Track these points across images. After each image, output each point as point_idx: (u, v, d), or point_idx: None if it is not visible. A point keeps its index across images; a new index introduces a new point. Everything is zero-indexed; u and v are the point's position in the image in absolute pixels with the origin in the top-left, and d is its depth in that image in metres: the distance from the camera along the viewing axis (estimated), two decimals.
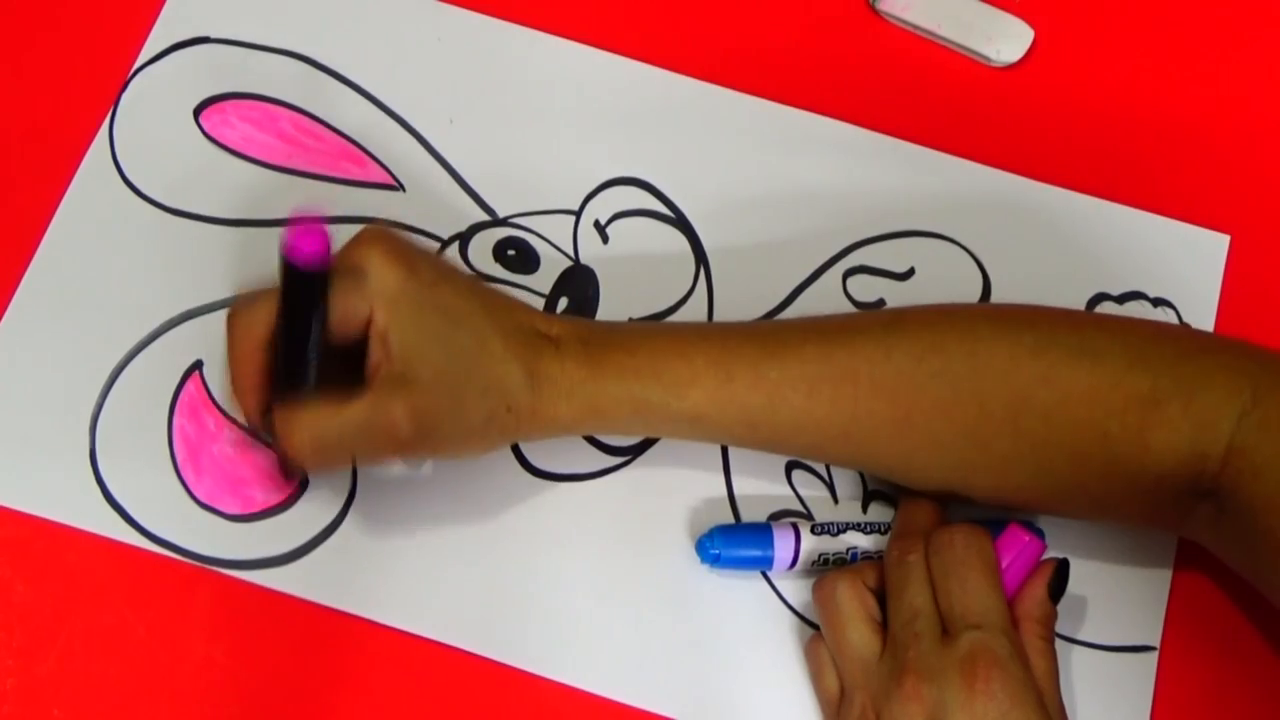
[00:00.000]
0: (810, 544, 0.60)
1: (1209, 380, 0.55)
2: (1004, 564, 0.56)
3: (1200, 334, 0.64)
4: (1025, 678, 0.53)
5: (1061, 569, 0.57)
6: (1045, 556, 0.57)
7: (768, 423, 0.57)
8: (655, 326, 0.64)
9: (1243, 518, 0.53)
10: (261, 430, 0.58)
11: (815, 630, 0.60)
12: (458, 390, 0.55)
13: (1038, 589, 0.57)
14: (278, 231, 0.65)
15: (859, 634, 0.56)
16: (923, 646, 0.54)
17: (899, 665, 0.54)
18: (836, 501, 0.63)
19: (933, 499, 0.60)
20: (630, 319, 0.65)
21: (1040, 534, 0.57)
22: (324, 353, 0.55)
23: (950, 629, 0.54)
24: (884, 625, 0.57)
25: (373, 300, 0.54)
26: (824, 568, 0.60)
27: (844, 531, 0.60)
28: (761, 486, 0.63)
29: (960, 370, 0.56)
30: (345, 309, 0.54)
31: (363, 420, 0.54)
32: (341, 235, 0.65)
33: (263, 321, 0.55)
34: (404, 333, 0.54)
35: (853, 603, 0.57)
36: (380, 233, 0.56)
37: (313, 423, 0.54)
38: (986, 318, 0.59)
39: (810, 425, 0.57)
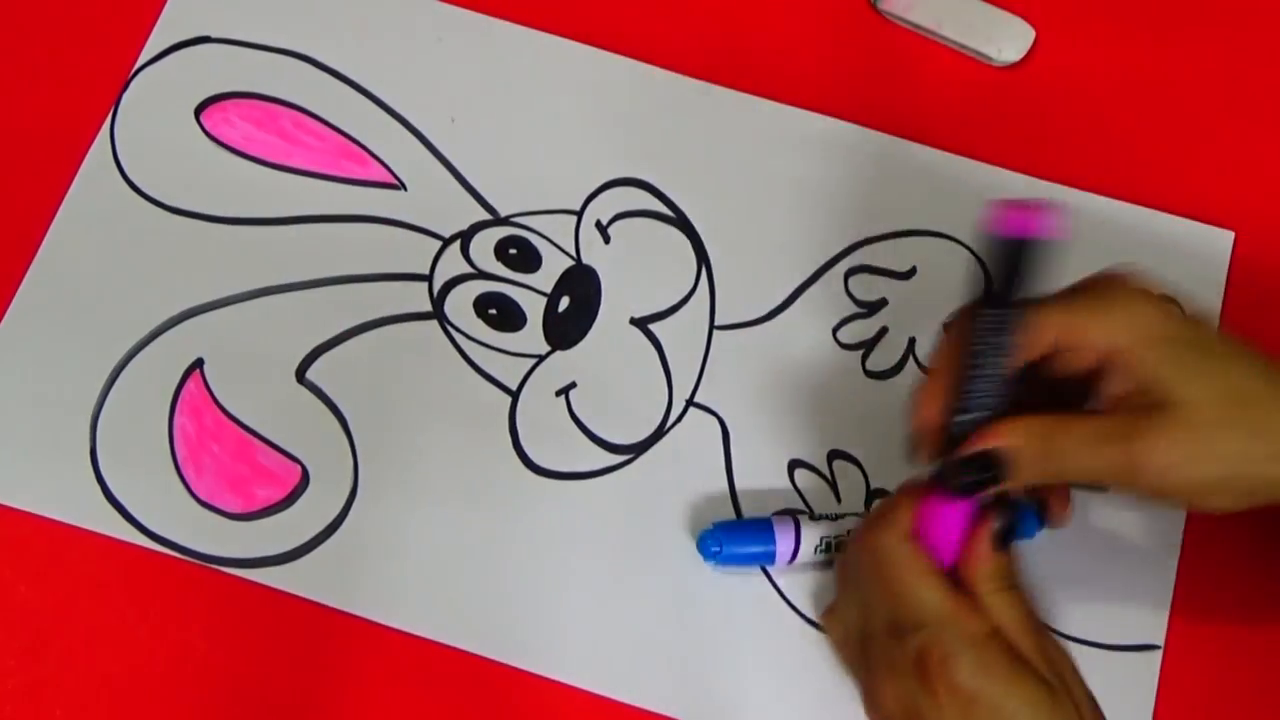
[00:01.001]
0: (810, 533, 0.60)
1: None
2: (930, 535, 0.53)
3: None
4: (980, 662, 0.51)
5: (1009, 517, 0.53)
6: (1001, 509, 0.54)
7: None
8: None
9: None
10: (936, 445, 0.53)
11: (818, 624, 0.60)
12: (1218, 429, 0.51)
13: (981, 545, 0.53)
14: (281, 230, 0.66)
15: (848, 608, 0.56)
16: (876, 647, 0.53)
17: (869, 660, 0.54)
18: (839, 499, 0.63)
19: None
20: (632, 319, 0.65)
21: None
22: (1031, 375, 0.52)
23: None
24: None
25: (1117, 329, 0.51)
26: (826, 554, 0.60)
27: (844, 516, 0.60)
28: (763, 483, 0.62)
29: None
30: (1078, 335, 0.52)
31: (1098, 435, 0.51)
32: (343, 234, 0.66)
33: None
34: (1158, 362, 0.51)
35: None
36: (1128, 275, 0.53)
37: (1042, 427, 0.51)
38: None
39: None
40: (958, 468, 0.52)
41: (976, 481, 0.52)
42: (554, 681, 0.60)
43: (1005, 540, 0.53)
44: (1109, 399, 0.52)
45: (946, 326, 0.54)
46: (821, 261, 0.67)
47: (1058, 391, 0.53)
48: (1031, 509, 0.58)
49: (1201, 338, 0.52)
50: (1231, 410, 0.51)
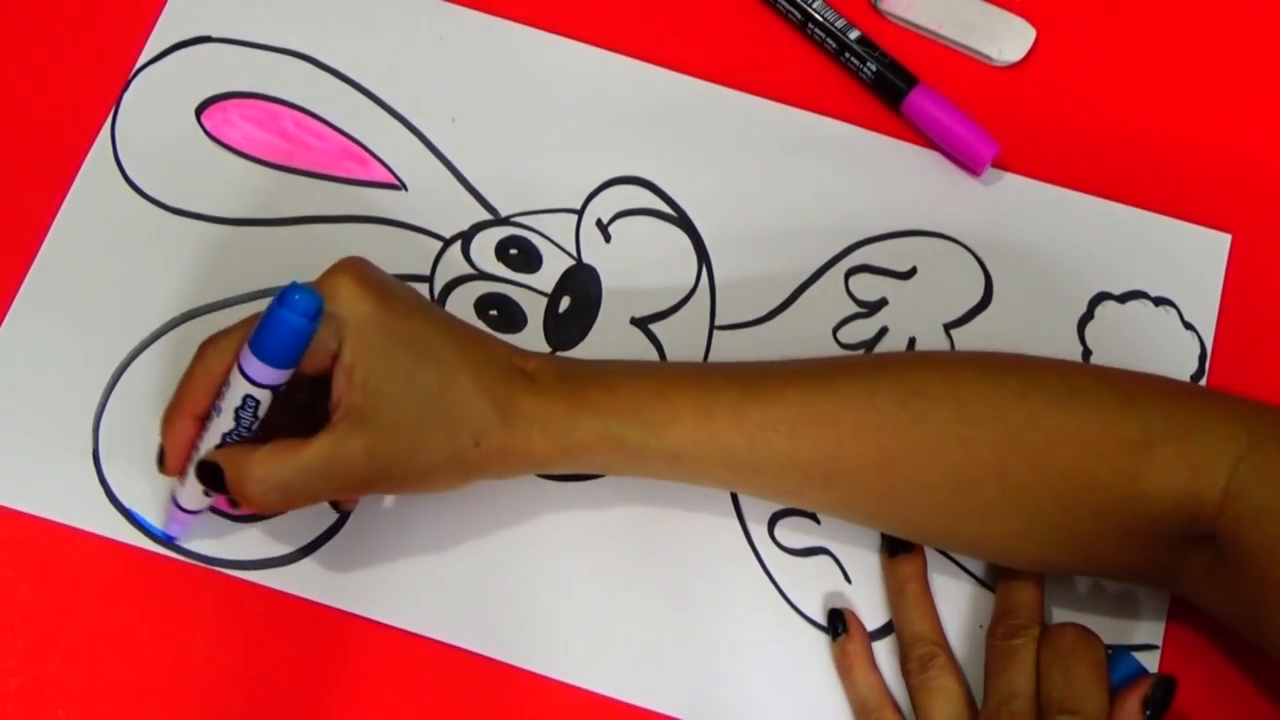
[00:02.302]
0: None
1: (1203, 423, 0.54)
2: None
3: (1190, 383, 0.63)
4: None
5: (1162, 685, 0.55)
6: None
7: (748, 464, 0.56)
8: (634, 364, 0.61)
9: (1242, 565, 0.52)
10: (181, 463, 0.57)
11: (818, 624, 0.60)
12: (421, 427, 0.54)
13: (1131, 702, 0.55)
14: (283, 230, 0.66)
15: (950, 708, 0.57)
16: None
17: None
18: None
19: (1036, 577, 0.59)
20: (633, 318, 0.65)
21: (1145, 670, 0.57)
22: (286, 390, 0.54)
23: (1045, 713, 0.55)
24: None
25: (341, 332, 0.54)
26: None
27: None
28: None
29: (945, 414, 0.55)
30: (314, 340, 0.53)
31: (320, 462, 0.53)
32: (344, 235, 0.66)
33: (231, 352, 0.54)
34: (370, 366, 0.54)
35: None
36: (354, 263, 0.55)
37: (266, 465, 0.53)
38: (971, 363, 0.58)
39: (791, 467, 0.56)
40: (198, 472, 0.55)
41: (213, 487, 0.55)
42: (554, 680, 0.60)
43: (1151, 708, 0.55)
44: (334, 402, 0.54)
45: (204, 346, 0.56)
46: (822, 261, 0.67)
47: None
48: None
49: (410, 331, 0.55)
50: (430, 406, 0.54)
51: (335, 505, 0.61)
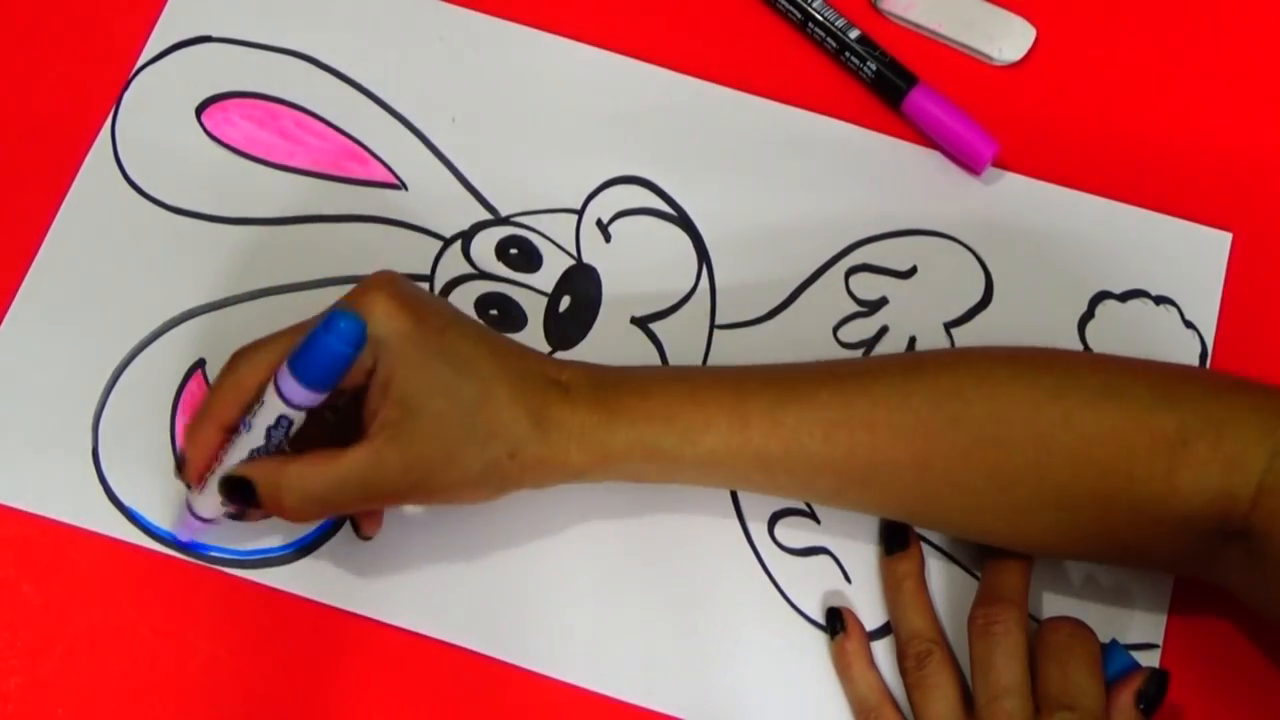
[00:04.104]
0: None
1: (1238, 419, 0.54)
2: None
3: (1226, 374, 0.62)
4: None
5: (1155, 679, 0.56)
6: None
7: (783, 469, 0.56)
8: (667, 371, 0.62)
9: (1277, 560, 0.52)
10: (203, 472, 0.57)
11: (818, 624, 0.60)
12: (458, 440, 0.54)
13: (1125, 696, 0.56)
14: (283, 230, 0.66)
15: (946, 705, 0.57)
16: None
17: None
18: None
19: (1021, 559, 0.59)
20: (633, 318, 0.65)
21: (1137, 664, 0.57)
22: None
23: (1041, 709, 0.55)
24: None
25: (378, 348, 0.53)
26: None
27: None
28: None
29: (980, 415, 0.55)
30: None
31: (357, 474, 0.53)
32: (344, 235, 0.66)
33: (266, 366, 0.54)
34: (407, 381, 0.53)
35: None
36: (387, 279, 0.55)
37: (302, 478, 0.53)
38: (1005, 361, 0.57)
39: (827, 471, 0.56)
40: (225, 486, 0.55)
41: (240, 500, 0.55)
42: (554, 680, 0.60)
43: (1145, 702, 0.55)
44: (369, 414, 0.54)
45: (237, 358, 0.56)
46: (822, 260, 0.67)
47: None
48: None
49: (446, 345, 0.54)
50: (467, 419, 0.54)
51: (355, 529, 0.60)
